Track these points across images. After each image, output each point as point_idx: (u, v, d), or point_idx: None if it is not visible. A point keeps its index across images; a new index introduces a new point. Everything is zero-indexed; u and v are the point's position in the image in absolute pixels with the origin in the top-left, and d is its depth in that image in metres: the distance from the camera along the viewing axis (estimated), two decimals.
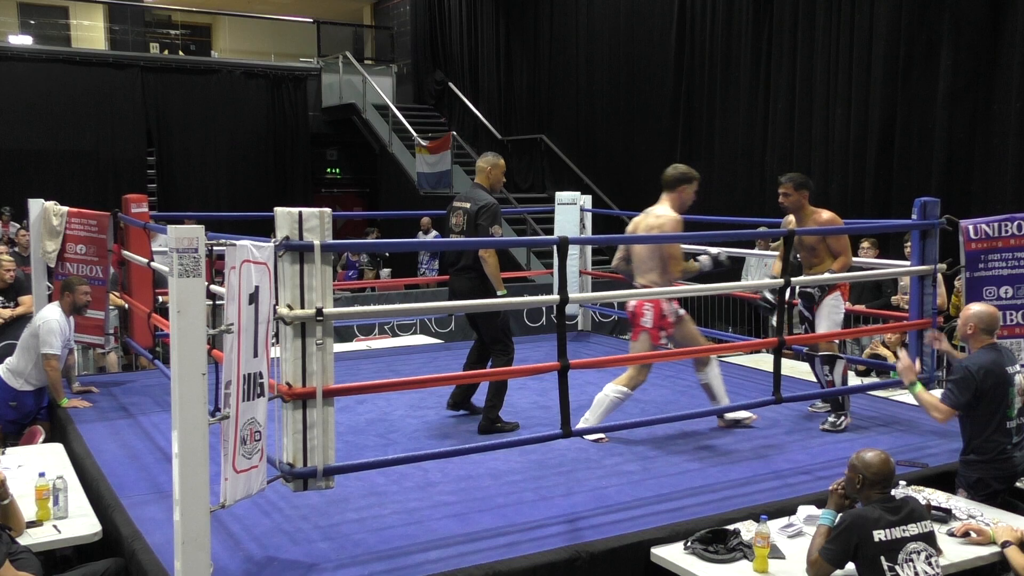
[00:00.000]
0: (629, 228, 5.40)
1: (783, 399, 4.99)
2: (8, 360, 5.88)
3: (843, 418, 5.42)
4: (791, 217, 5.52)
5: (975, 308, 4.48)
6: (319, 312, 3.53)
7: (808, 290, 5.49)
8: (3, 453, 4.79)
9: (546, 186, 14.06)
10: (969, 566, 3.66)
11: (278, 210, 3.56)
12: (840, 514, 3.50)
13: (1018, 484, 4.37)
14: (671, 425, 5.38)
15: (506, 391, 5.51)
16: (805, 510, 3.93)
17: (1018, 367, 4.43)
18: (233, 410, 3.33)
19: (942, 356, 5.80)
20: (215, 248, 3.41)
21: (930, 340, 5.40)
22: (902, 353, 4.67)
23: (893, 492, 3.52)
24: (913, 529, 3.35)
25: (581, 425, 4.99)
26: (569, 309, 4.30)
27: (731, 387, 6.38)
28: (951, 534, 3.80)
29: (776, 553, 3.60)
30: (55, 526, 3.85)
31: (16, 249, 9.34)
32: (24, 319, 6.91)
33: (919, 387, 4.46)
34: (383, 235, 14.41)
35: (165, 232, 3.47)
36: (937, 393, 5.88)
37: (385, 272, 13.36)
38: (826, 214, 5.42)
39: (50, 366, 5.70)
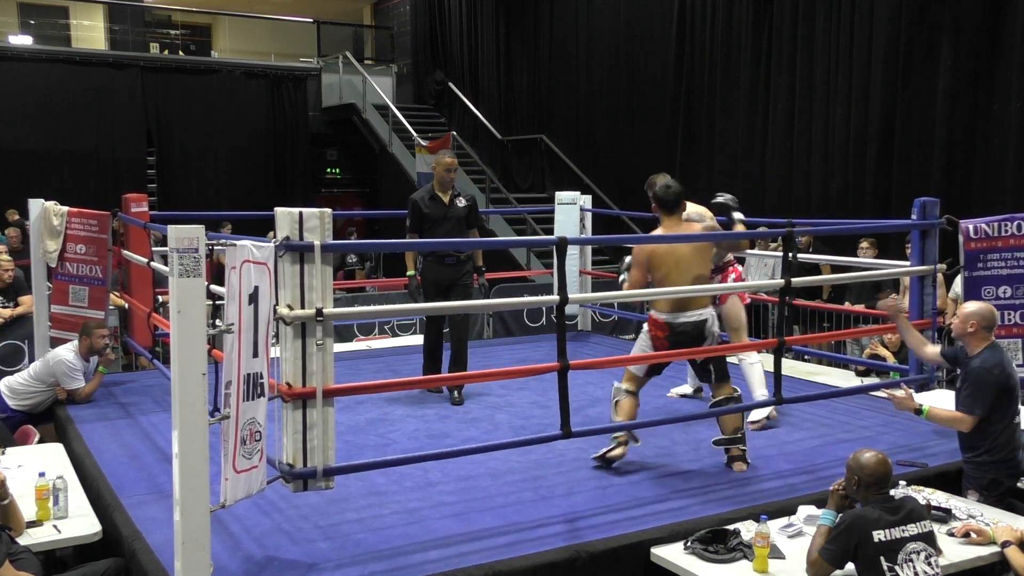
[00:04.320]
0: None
1: (783, 399, 4.99)
2: (11, 378, 5.97)
3: (617, 448, 4.79)
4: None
5: (973, 306, 4.45)
6: (319, 312, 3.53)
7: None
8: (3, 453, 4.80)
9: (546, 186, 14.05)
10: (969, 566, 3.66)
11: (278, 210, 3.56)
12: (840, 514, 3.51)
13: (1019, 484, 4.38)
14: (671, 425, 5.38)
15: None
16: (805, 510, 3.93)
17: (1015, 365, 4.45)
18: (233, 410, 3.33)
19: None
20: (215, 248, 3.41)
21: (892, 306, 5.08)
22: (898, 392, 4.44)
23: (893, 492, 3.53)
24: (913, 529, 3.35)
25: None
26: (569, 309, 4.32)
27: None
28: (951, 534, 3.80)
29: (776, 553, 3.60)
30: (55, 526, 3.85)
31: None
32: (25, 319, 6.91)
33: (927, 409, 4.37)
34: (384, 235, 14.43)
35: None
36: (937, 394, 5.92)
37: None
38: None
39: (80, 395, 5.96)
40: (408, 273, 6.30)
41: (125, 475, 4.59)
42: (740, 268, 5.44)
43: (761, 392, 5.51)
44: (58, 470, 4.29)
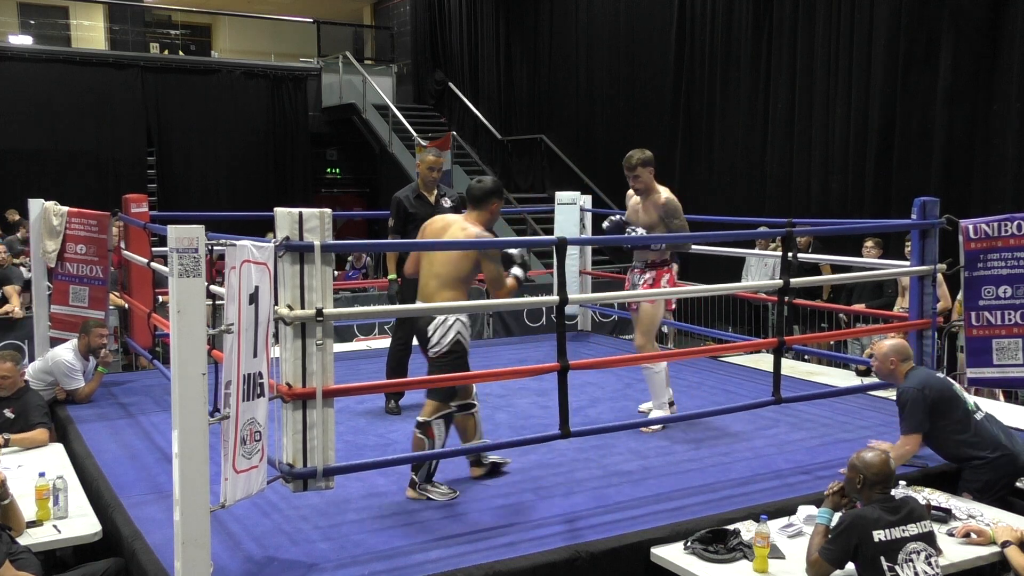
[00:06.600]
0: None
1: (783, 399, 4.99)
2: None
3: (437, 490, 4.33)
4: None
5: (886, 345, 4.59)
6: (319, 312, 3.53)
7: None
8: (5, 445, 4.80)
9: (546, 186, 14.06)
10: (969, 566, 3.66)
11: (278, 210, 3.55)
12: (836, 513, 3.51)
13: (1018, 484, 4.38)
14: (671, 425, 5.38)
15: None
16: (805, 510, 3.94)
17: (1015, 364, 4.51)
18: (233, 410, 3.33)
19: (941, 356, 5.77)
20: (215, 248, 3.41)
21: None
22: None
23: (893, 492, 3.53)
24: (913, 529, 3.35)
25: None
26: (569, 309, 4.31)
27: (731, 387, 6.40)
28: (951, 534, 3.80)
29: (776, 553, 3.60)
30: (55, 526, 3.85)
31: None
32: (25, 319, 6.92)
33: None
34: (382, 236, 14.42)
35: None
36: None
37: None
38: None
39: (80, 395, 5.94)
40: (389, 277, 6.04)
41: (125, 475, 4.59)
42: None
43: (660, 402, 5.43)
44: (58, 470, 4.29)
